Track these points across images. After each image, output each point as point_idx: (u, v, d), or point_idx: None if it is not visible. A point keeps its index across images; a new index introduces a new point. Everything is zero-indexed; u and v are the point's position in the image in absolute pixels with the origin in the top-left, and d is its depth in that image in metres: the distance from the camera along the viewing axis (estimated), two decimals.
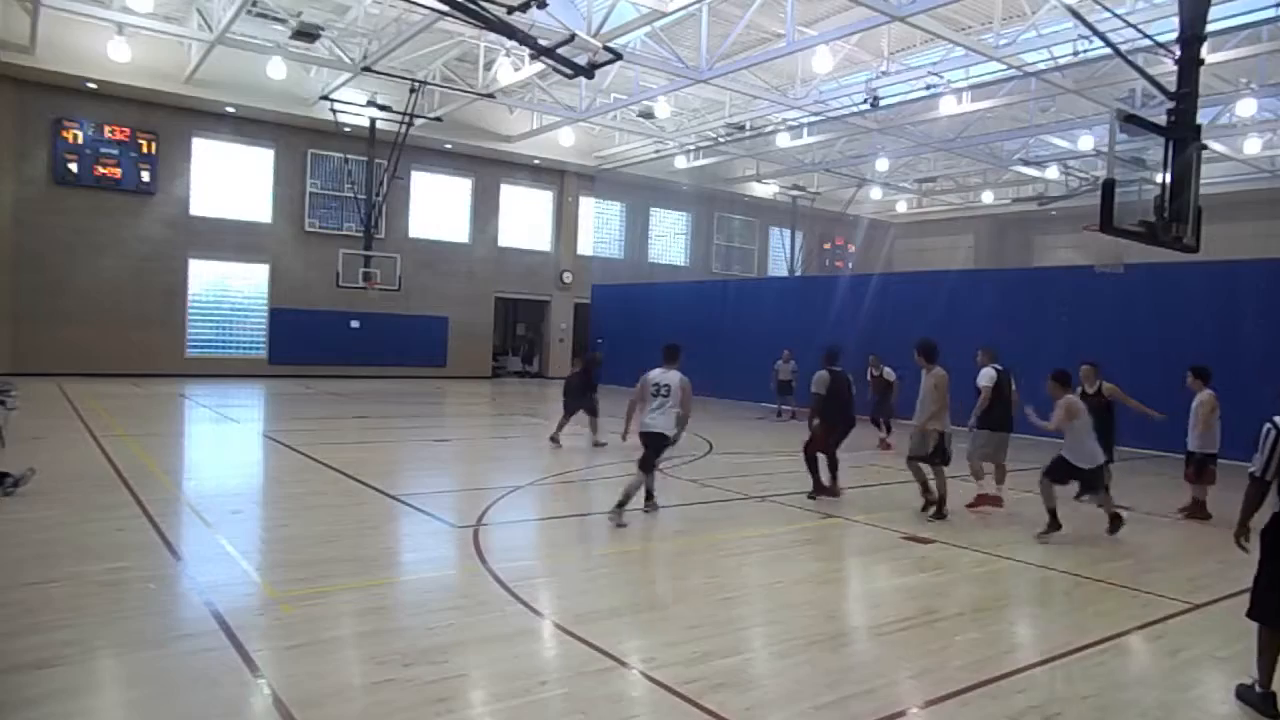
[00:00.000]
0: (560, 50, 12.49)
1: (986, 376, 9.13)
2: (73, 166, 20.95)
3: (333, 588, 5.63)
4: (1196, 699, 4.49)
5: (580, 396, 13.30)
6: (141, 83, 20.51)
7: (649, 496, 8.37)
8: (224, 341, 24.06)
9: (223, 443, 13.00)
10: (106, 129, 21.28)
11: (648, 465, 8.11)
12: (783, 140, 24.46)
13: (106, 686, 4.19)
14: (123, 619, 4.90)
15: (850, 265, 35.36)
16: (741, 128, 23.67)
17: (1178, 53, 8.27)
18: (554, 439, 13.08)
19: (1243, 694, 4.31)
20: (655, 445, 8.07)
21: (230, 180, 23.63)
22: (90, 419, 13.36)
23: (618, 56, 13.92)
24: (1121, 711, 4.20)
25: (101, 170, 21.34)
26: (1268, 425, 4.30)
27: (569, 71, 12.67)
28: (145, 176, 21.93)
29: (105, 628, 4.77)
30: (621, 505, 7.84)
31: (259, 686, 4.13)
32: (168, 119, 22.06)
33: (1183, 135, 7.97)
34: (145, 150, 21.83)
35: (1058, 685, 4.54)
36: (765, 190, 31.75)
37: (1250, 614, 4.34)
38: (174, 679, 4.18)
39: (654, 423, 8.04)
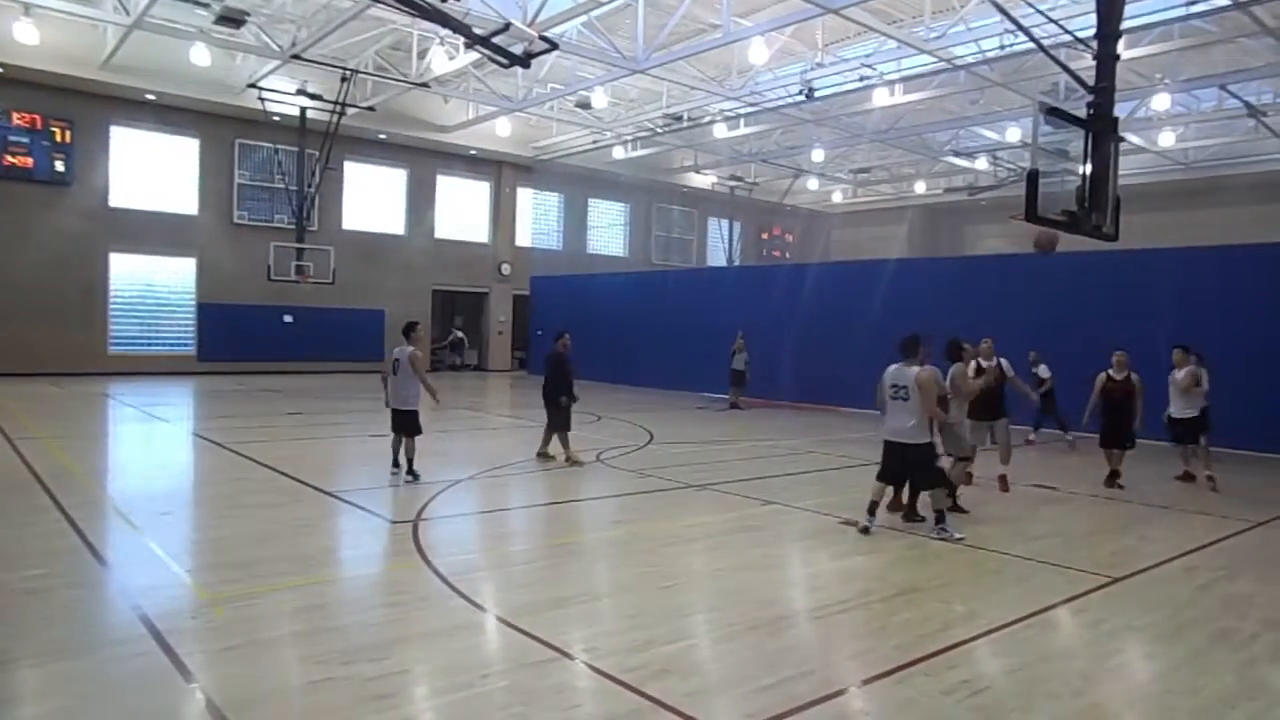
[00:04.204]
0: (495, 39, 12.36)
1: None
2: None
3: (268, 588, 5.51)
4: (1116, 667, 4.70)
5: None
6: (52, 67, 19.59)
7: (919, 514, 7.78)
8: (149, 338, 23.25)
9: (150, 443, 12.56)
10: (15, 116, 20.29)
11: (923, 483, 7.49)
12: (720, 131, 24.64)
13: (27, 698, 4.01)
14: (45, 627, 4.72)
15: (788, 255, 35.83)
16: (679, 118, 23.77)
17: (1096, 47, 8.58)
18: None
19: None
20: (911, 458, 7.35)
21: (153, 171, 22.80)
22: (3, 421, 12.77)
23: (553, 46, 13.82)
24: (1047, 682, 4.37)
25: (11, 160, 20.37)
26: None
27: (504, 61, 12.55)
28: (60, 166, 21.00)
29: (26, 637, 4.58)
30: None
31: (191, 691, 4.01)
32: (83, 106, 21.13)
33: (1101, 128, 8.27)
34: (59, 139, 20.90)
35: (988, 659, 4.71)
36: (703, 181, 31.94)
37: None
38: (100, 687, 4.04)
39: (900, 431, 7.28)
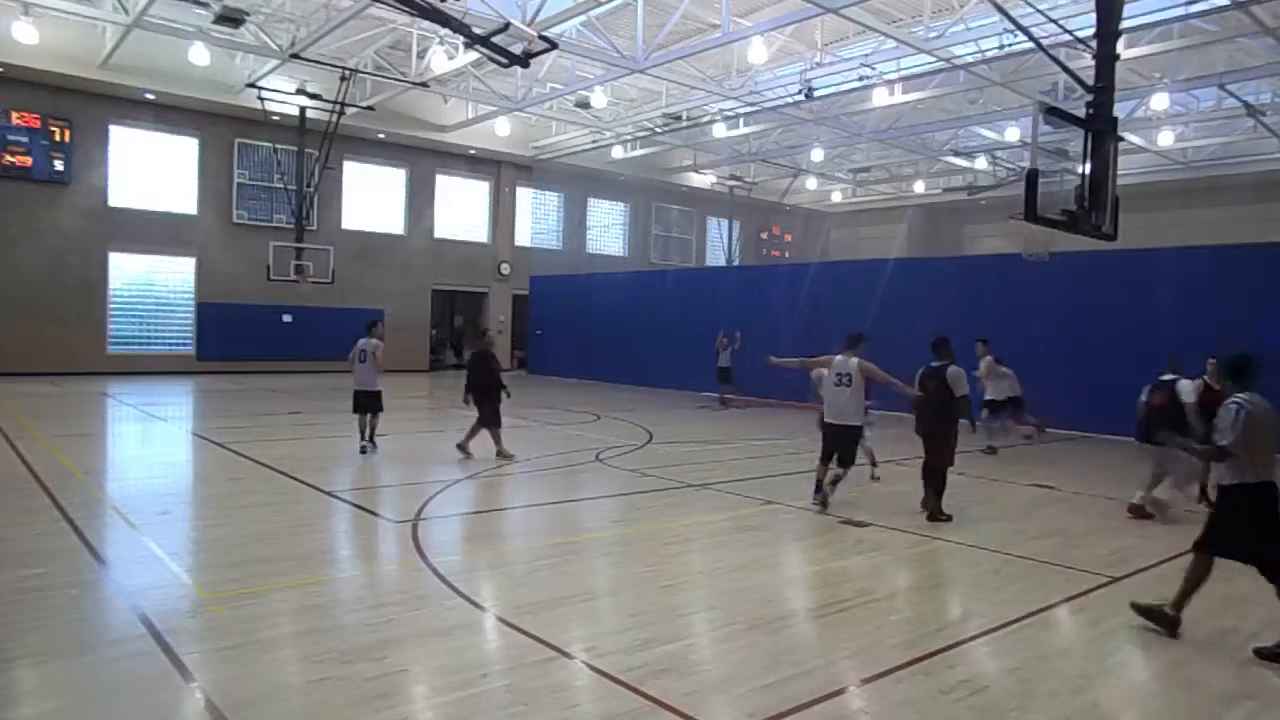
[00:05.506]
0: (495, 39, 12.34)
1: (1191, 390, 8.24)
2: None
3: (267, 587, 5.50)
4: (1114, 667, 4.70)
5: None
6: (51, 66, 19.54)
7: (821, 489, 8.38)
8: (148, 338, 23.21)
9: (149, 442, 12.56)
10: (14, 115, 20.26)
11: (847, 461, 8.23)
12: (719, 131, 24.60)
13: (26, 696, 4.02)
14: (44, 626, 4.71)
15: (787, 254, 35.81)
16: (678, 118, 23.73)
17: (1095, 47, 8.57)
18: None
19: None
20: (846, 437, 8.20)
21: (152, 170, 22.74)
22: (2, 420, 12.75)
23: (553, 45, 13.75)
24: (1045, 681, 4.37)
25: (10, 159, 20.32)
26: (1233, 404, 4.84)
27: (504, 60, 12.51)
28: (59, 165, 20.96)
29: (25, 636, 4.57)
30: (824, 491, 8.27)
31: (190, 691, 4.01)
32: (82, 105, 21.09)
33: (1100, 127, 8.27)
34: (58, 138, 20.85)
35: (987, 659, 4.71)
36: (703, 180, 31.91)
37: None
38: (99, 687, 4.04)
39: (842, 414, 8.14)
